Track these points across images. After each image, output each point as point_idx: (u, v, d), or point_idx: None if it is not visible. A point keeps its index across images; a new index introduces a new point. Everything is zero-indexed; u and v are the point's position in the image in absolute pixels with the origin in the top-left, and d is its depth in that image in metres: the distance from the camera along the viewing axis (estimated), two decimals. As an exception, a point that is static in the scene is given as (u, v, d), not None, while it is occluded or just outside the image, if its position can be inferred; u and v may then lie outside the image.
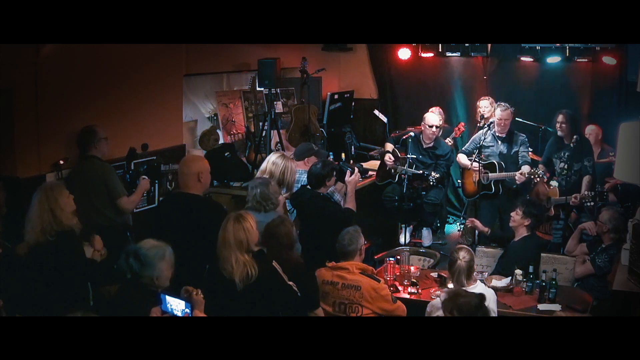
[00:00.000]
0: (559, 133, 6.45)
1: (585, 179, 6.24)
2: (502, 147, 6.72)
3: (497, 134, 6.72)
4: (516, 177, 6.41)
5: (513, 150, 6.68)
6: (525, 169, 6.45)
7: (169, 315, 3.24)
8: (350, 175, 5.15)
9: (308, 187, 5.18)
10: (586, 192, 6.06)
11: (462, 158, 6.95)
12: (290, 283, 3.98)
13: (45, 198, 3.91)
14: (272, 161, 5.19)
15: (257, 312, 3.73)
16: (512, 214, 5.47)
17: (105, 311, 3.55)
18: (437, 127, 6.93)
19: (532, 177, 6.28)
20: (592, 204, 5.97)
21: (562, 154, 6.45)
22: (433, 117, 7.01)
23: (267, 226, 4.38)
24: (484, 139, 6.69)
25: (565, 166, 6.41)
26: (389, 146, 7.16)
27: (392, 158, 7.02)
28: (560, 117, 6.43)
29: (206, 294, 3.56)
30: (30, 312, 3.62)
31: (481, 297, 3.56)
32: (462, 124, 7.61)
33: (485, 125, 6.82)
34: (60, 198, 3.95)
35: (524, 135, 6.76)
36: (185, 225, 4.45)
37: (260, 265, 3.84)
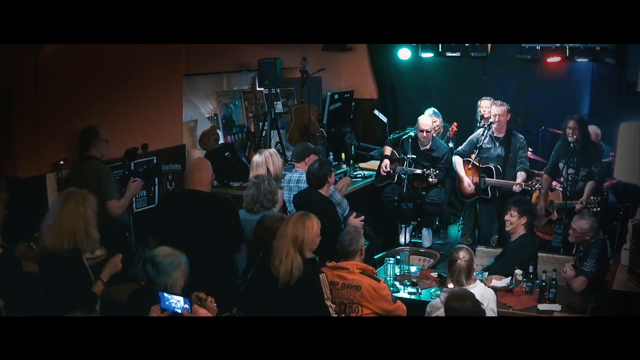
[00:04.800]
0: (570, 139, 6.08)
1: (589, 185, 6.02)
2: (500, 150, 6.66)
3: (494, 135, 6.66)
4: (514, 188, 6.36)
5: (511, 154, 6.60)
6: (522, 176, 6.43)
7: (168, 312, 3.23)
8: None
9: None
10: (592, 198, 5.91)
11: (458, 162, 6.84)
12: (328, 303, 3.91)
13: (82, 203, 3.74)
14: (255, 164, 5.18)
15: (292, 314, 3.67)
16: (506, 217, 5.42)
17: (110, 312, 3.55)
18: (427, 131, 6.85)
19: (530, 188, 6.25)
20: (598, 209, 5.85)
21: (570, 159, 6.13)
22: (426, 121, 6.93)
23: (263, 219, 4.39)
24: (482, 140, 6.64)
25: (574, 172, 6.16)
26: (388, 149, 7.15)
27: (387, 169, 6.99)
28: (571, 123, 6.06)
29: (250, 286, 3.55)
30: (31, 312, 3.60)
31: (476, 303, 3.58)
32: (455, 124, 7.56)
33: (485, 126, 6.78)
34: (92, 209, 3.79)
35: (522, 137, 6.68)
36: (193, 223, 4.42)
37: (306, 271, 3.83)
